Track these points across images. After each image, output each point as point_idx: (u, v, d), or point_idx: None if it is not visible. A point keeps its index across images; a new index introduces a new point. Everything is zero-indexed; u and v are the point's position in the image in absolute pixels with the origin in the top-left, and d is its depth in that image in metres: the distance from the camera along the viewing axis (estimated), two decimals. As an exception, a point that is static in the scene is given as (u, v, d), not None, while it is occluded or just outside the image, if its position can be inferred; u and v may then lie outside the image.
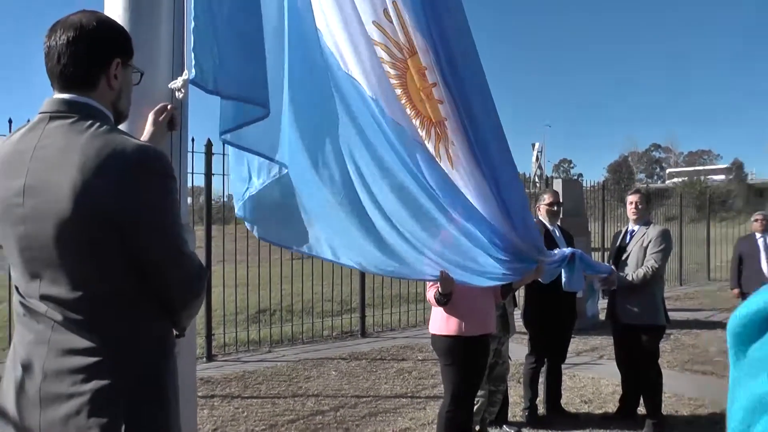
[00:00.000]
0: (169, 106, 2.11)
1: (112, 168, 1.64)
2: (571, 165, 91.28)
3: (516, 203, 3.22)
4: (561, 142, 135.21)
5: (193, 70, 2.11)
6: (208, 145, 7.96)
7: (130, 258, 1.71)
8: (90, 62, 1.77)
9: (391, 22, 2.93)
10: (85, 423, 1.64)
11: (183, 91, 2.21)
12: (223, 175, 8.21)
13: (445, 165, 3.09)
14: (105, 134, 1.70)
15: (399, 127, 2.91)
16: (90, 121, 1.72)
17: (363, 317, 9.89)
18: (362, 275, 9.78)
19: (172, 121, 2.16)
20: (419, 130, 3.05)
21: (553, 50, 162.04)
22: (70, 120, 1.73)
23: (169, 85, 2.22)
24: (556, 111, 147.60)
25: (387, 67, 2.99)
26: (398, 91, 3.04)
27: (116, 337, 1.71)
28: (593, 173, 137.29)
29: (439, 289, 3.99)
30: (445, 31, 2.87)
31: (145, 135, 2.06)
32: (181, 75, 2.21)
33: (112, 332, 1.71)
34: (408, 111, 3.04)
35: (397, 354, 8.49)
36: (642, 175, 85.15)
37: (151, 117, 2.09)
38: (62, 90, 1.79)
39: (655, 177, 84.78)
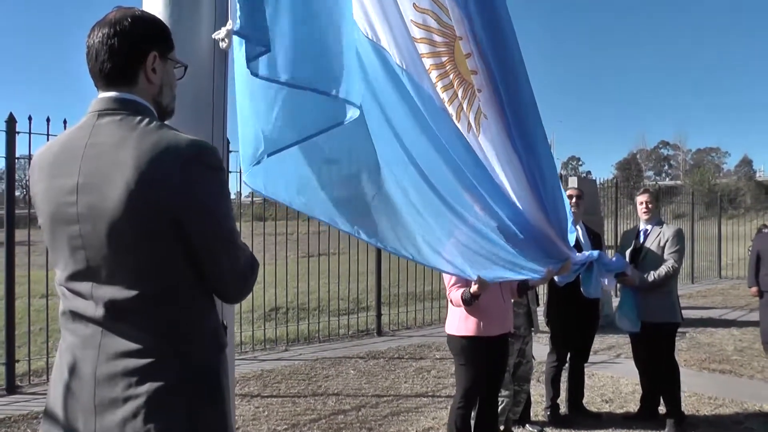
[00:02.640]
0: None
1: (167, 163, 1.63)
2: (580, 162, 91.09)
3: (548, 184, 3.12)
4: (569, 139, 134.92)
5: (238, 21, 2.08)
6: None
7: (185, 253, 1.70)
8: (125, 57, 1.77)
9: None
10: (143, 427, 1.62)
11: (227, 41, 2.19)
12: (239, 172, 8.25)
13: (481, 138, 3.00)
14: (157, 130, 1.69)
15: (431, 99, 2.82)
16: (139, 117, 1.72)
17: (379, 316, 9.89)
18: (378, 274, 9.79)
19: None
20: (462, 100, 2.96)
21: (565, 48, 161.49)
22: (119, 116, 1.72)
23: (213, 36, 2.21)
24: (563, 108, 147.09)
25: (435, 36, 2.90)
26: (444, 58, 2.93)
27: (171, 335, 1.70)
28: (602, 171, 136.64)
29: (472, 290, 3.98)
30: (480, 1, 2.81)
31: None
32: (224, 25, 2.20)
33: (167, 331, 1.69)
34: (449, 80, 2.95)
35: (414, 353, 8.49)
36: (650, 173, 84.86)
37: None
38: (106, 88, 1.79)
39: (664, 174, 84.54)
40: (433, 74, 2.94)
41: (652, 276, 5.32)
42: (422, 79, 2.81)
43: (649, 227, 5.62)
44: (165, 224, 1.65)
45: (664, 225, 5.63)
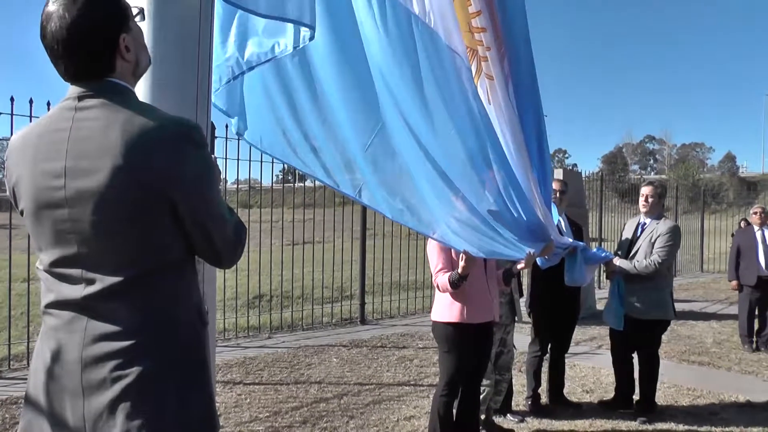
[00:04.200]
0: None
1: (156, 143, 1.64)
2: (566, 155, 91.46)
3: (543, 152, 3.13)
4: (555, 132, 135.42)
5: None
6: (211, 128, 7.90)
7: (175, 231, 1.71)
8: (98, 55, 1.72)
9: None
10: (133, 406, 1.62)
11: None
12: (225, 159, 8.21)
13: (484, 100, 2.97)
14: (142, 111, 1.70)
15: (449, 53, 2.76)
16: (121, 99, 1.71)
17: (363, 304, 9.91)
18: (362, 263, 9.80)
19: None
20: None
21: (549, 42, 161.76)
22: (101, 99, 1.70)
23: None
24: (550, 101, 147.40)
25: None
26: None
27: (157, 315, 1.70)
28: (588, 163, 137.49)
29: (459, 270, 3.97)
30: None
31: None
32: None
33: (153, 310, 1.70)
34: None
35: (397, 342, 8.52)
36: (636, 167, 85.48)
37: None
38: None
39: (649, 168, 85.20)
40: None
41: (633, 264, 5.35)
42: (450, 33, 2.73)
43: (647, 221, 5.61)
44: (156, 203, 1.66)
45: (662, 220, 5.59)
